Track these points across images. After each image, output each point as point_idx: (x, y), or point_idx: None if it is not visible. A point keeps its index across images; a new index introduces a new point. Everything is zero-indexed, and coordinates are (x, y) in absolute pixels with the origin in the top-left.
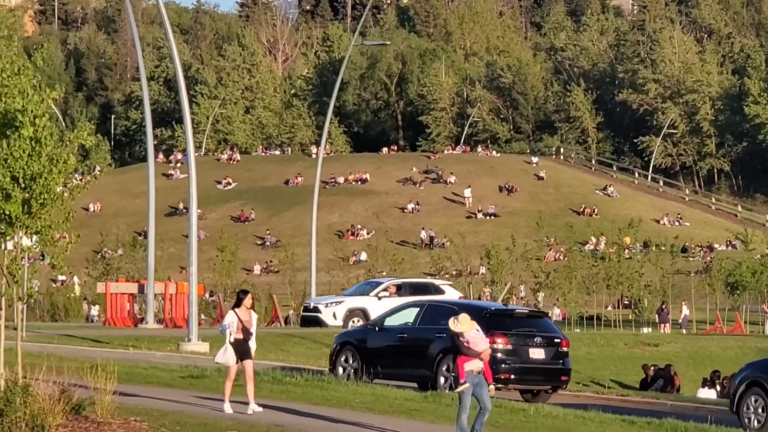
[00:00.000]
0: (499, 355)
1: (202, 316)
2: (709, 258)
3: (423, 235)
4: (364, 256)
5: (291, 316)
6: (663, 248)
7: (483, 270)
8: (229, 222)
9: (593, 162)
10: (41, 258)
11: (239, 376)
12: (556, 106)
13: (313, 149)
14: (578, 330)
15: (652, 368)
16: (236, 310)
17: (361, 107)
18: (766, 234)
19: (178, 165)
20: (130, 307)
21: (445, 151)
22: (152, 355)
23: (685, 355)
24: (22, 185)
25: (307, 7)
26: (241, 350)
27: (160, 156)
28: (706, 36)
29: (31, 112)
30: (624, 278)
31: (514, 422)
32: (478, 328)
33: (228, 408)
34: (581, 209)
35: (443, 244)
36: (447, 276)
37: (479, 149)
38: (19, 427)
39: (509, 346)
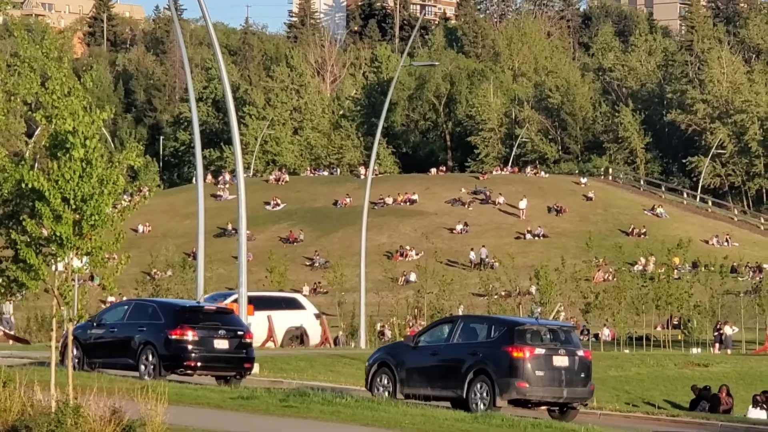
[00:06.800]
0: (188, 345)
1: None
2: (758, 278)
3: (472, 255)
4: (413, 276)
5: (340, 337)
6: (712, 268)
7: (533, 290)
8: (277, 243)
9: (642, 182)
10: (91, 279)
11: None
12: (604, 126)
13: (362, 170)
14: (627, 350)
15: (700, 389)
16: None
17: (410, 128)
18: None
19: (227, 186)
20: None
21: (494, 172)
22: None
23: (734, 375)
24: (73, 206)
25: (355, 28)
26: None
27: (209, 177)
28: (754, 56)
29: (82, 133)
30: (673, 298)
31: None
32: None
33: None
34: (630, 230)
35: (492, 264)
36: (496, 297)
37: (528, 170)
38: None
39: (196, 338)
